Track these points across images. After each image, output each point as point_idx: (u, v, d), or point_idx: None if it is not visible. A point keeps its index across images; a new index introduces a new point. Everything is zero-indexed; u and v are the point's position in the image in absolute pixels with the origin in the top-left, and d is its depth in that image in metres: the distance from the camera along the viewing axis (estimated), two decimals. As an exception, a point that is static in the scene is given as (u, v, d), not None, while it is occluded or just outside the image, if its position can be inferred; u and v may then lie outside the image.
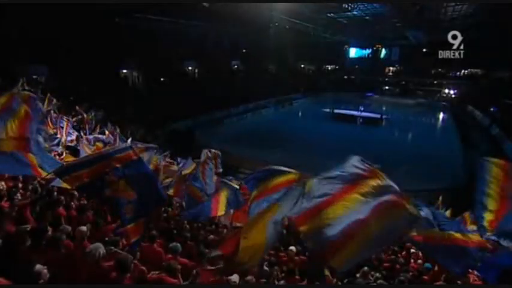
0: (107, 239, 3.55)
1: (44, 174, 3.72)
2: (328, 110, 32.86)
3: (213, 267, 3.02)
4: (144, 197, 3.22)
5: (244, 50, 42.47)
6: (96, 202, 4.60)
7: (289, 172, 3.95)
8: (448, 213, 6.83)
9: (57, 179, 3.48)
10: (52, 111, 8.73)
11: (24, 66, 17.49)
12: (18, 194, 4.30)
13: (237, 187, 5.51)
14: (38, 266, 2.28)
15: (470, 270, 4.38)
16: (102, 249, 2.77)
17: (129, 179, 3.21)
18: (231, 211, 5.49)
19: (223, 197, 5.13)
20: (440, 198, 8.10)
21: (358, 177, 2.59)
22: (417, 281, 4.54)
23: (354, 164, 2.69)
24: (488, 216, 3.38)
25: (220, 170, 7.07)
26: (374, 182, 2.53)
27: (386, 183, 2.52)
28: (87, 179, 3.07)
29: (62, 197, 4.50)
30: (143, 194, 3.23)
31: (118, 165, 3.21)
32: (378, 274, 4.64)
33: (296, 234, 5.56)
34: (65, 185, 3.62)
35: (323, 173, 2.71)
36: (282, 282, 3.86)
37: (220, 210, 5.07)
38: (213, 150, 6.94)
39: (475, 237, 3.82)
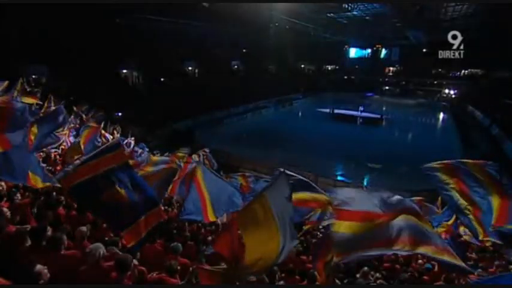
0: (106, 239, 3.55)
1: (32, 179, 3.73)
2: (327, 110, 32.81)
3: (211, 268, 3.01)
4: (135, 201, 3.20)
5: (244, 50, 42.48)
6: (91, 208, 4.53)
7: (320, 193, 3.90)
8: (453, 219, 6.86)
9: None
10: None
11: (24, 66, 17.49)
12: (18, 194, 4.30)
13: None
14: (39, 266, 2.27)
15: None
16: (102, 249, 2.76)
17: (121, 182, 3.18)
18: (228, 215, 5.32)
19: (198, 176, 4.80)
20: (440, 198, 8.08)
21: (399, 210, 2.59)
22: (417, 281, 4.54)
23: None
24: (472, 219, 3.46)
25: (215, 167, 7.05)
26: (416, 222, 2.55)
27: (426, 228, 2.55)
28: (79, 179, 3.04)
29: (62, 197, 4.50)
30: (134, 198, 3.20)
31: (110, 167, 3.18)
32: (378, 274, 4.63)
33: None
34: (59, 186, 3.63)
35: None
36: (281, 282, 3.85)
37: (203, 191, 4.71)
38: (202, 151, 6.95)
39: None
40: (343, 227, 2.50)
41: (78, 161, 3.20)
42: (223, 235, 2.70)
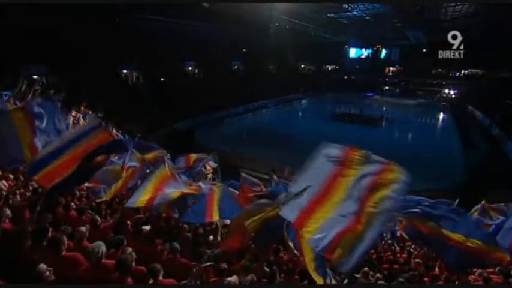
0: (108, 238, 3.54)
1: None
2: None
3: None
4: None
5: (244, 50, 42.45)
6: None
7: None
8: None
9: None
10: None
11: (24, 66, 17.49)
12: (18, 196, 4.30)
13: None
14: (42, 265, 2.27)
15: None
16: (103, 247, 2.77)
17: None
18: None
19: (216, 196, 4.73)
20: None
21: (337, 165, 2.45)
22: (417, 281, 4.54)
23: (326, 153, 2.54)
24: None
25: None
26: (354, 164, 2.42)
27: (364, 158, 2.42)
28: (60, 176, 2.83)
29: (62, 198, 4.49)
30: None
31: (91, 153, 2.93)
32: (378, 274, 4.63)
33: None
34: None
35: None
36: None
37: (214, 213, 4.59)
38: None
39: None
40: (310, 231, 2.34)
41: (46, 152, 2.95)
42: (235, 237, 2.80)
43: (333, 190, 2.37)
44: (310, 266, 2.66)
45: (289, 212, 2.42)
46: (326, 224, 2.27)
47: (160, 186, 4.41)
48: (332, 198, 2.35)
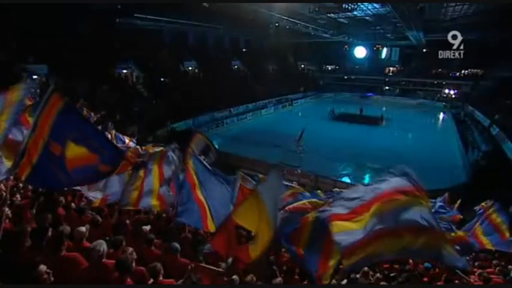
0: (107, 238, 3.54)
1: None
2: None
3: (212, 267, 3.02)
4: (105, 151, 2.56)
5: (244, 50, 42.41)
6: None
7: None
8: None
9: None
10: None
11: (24, 66, 17.50)
12: (18, 195, 4.29)
13: None
14: (42, 267, 2.27)
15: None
16: (104, 246, 2.77)
17: (75, 136, 2.54)
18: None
19: (191, 169, 4.41)
20: (446, 195, 8.02)
21: (399, 188, 2.53)
22: (417, 281, 4.54)
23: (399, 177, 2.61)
24: None
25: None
26: (417, 204, 2.47)
27: (427, 210, 2.47)
28: (30, 162, 2.50)
29: (62, 198, 4.49)
30: (101, 148, 2.56)
31: (50, 123, 2.52)
32: (378, 274, 4.63)
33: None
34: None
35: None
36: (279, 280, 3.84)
37: (209, 222, 4.31)
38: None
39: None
40: (340, 227, 2.43)
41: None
42: (221, 233, 2.74)
43: (378, 205, 2.45)
44: (330, 271, 2.64)
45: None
46: (357, 230, 2.39)
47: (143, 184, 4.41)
48: (373, 212, 2.43)
